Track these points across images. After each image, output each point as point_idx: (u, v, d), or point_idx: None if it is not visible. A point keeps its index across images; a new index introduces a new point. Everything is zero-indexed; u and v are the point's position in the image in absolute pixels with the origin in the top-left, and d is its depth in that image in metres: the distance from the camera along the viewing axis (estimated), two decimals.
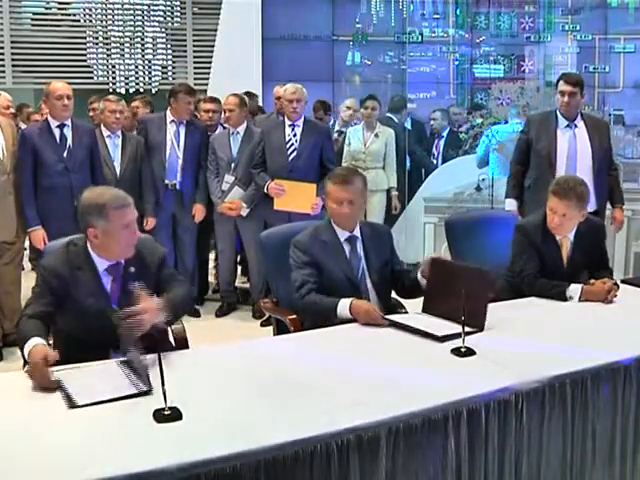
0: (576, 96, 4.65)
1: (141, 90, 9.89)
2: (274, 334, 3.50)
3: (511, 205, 4.91)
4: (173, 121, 5.69)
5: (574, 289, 3.42)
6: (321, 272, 3.29)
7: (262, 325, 5.58)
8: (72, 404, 2.23)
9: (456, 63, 7.64)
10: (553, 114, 4.81)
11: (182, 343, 3.09)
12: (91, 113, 6.68)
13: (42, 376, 2.38)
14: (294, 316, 3.29)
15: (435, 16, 7.53)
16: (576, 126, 4.77)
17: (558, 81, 4.75)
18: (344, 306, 3.11)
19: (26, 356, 2.55)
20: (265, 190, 5.33)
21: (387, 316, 3.10)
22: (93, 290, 2.83)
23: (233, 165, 5.64)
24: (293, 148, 5.34)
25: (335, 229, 3.39)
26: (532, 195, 4.74)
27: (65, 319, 2.83)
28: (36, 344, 2.52)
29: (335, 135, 6.73)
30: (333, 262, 3.33)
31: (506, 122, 6.57)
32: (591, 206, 4.40)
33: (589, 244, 3.68)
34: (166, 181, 5.64)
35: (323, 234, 3.38)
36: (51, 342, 2.75)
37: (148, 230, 5.49)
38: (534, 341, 2.83)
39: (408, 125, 7.22)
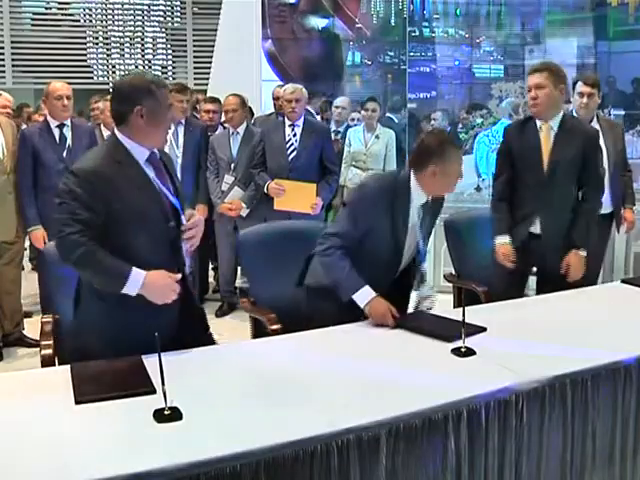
0: (594, 97, 4.54)
1: None
2: (252, 334, 3.52)
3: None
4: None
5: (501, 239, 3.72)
6: (371, 235, 3.10)
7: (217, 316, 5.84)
8: (78, 399, 2.25)
9: (456, 63, 7.63)
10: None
11: None
12: (92, 113, 6.68)
13: None
14: (273, 315, 3.30)
15: (435, 16, 7.53)
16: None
17: (575, 83, 4.63)
18: (363, 296, 3.00)
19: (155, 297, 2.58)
20: (265, 190, 5.33)
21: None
22: (140, 183, 2.62)
23: (233, 165, 5.65)
24: (293, 148, 5.35)
25: (412, 194, 3.13)
26: None
27: (120, 234, 2.58)
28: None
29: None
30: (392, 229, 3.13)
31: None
32: (606, 207, 4.42)
33: (576, 147, 3.69)
34: None
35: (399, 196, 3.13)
36: None
37: None
38: (534, 341, 2.83)
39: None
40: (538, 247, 3.78)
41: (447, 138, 3.13)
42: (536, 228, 3.79)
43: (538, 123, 3.75)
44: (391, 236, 3.14)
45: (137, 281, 2.54)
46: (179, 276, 2.60)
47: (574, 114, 4.52)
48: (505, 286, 3.76)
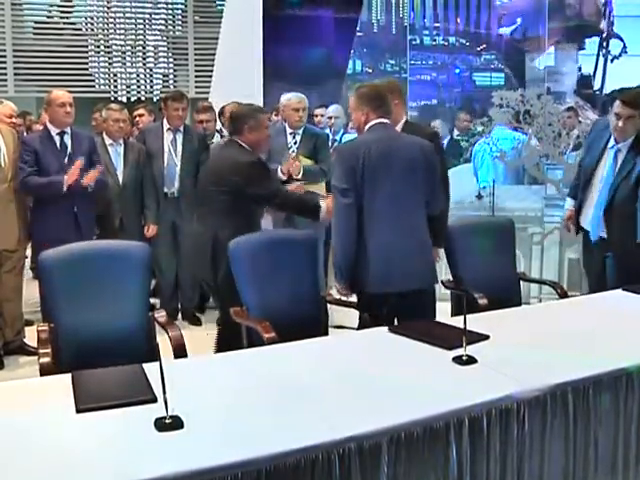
0: (635, 119, 4.11)
1: (142, 98, 9.91)
2: (246, 343, 3.49)
3: (568, 204, 4.68)
4: (169, 129, 5.70)
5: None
6: None
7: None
8: (80, 408, 2.24)
9: (457, 71, 7.65)
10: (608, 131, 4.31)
11: (180, 351, 3.10)
12: (94, 122, 6.67)
13: None
14: (266, 323, 3.29)
15: (436, 24, 7.55)
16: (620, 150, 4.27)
17: (614, 100, 4.24)
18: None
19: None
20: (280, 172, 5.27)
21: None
22: None
23: None
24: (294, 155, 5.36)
25: None
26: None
27: None
28: None
29: None
30: None
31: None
32: None
33: None
34: (165, 189, 5.65)
35: None
36: None
37: (149, 237, 5.50)
38: (536, 348, 2.83)
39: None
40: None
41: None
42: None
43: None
44: None
45: None
46: None
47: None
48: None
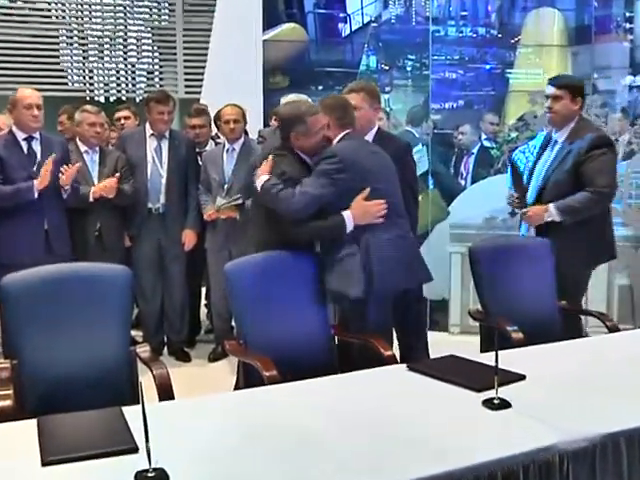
0: (564, 101, 4.72)
1: (123, 98, 9.93)
2: (243, 383, 3.50)
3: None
4: (153, 135, 5.71)
5: None
6: None
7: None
8: (46, 460, 2.23)
9: (487, 67, 7.65)
10: None
11: (166, 392, 3.09)
12: (59, 127, 6.63)
13: None
14: (267, 359, 3.30)
15: (463, 13, 7.56)
16: None
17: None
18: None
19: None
20: None
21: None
22: None
23: (226, 187, 5.64)
24: None
25: None
26: None
27: None
28: None
29: None
30: None
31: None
32: None
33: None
34: (149, 204, 5.65)
35: None
36: None
37: (128, 247, 5.55)
38: (581, 391, 2.82)
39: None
40: None
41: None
42: None
43: None
44: None
45: None
46: None
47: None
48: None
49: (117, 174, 5.36)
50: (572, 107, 4.71)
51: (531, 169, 4.93)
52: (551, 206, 4.50)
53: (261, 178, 3.91)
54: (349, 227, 3.86)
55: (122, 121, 6.51)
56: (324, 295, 3.85)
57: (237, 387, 4.16)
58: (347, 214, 3.86)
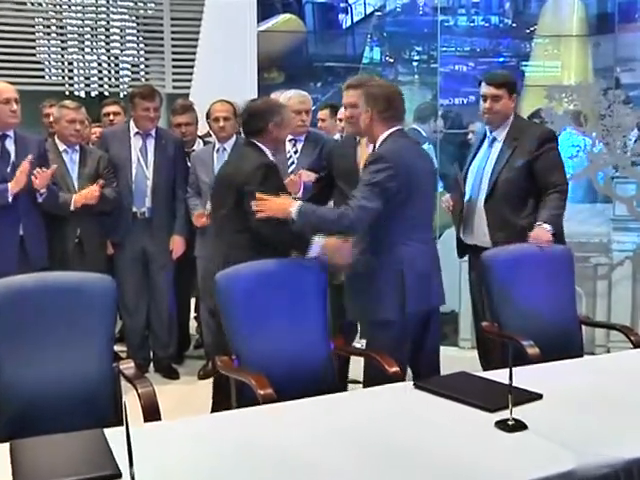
0: (503, 100, 4.88)
1: (106, 93, 9.93)
2: (235, 403, 3.50)
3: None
4: (138, 133, 5.70)
5: None
6: None
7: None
8: None
9: (501, 60, 7.65)
10: None
11: (152, 413, 3.09)
12: (46, 119, 6.55)
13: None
14: (262, 376, 3.30)
15: (474, 1, 7.56)
16: None
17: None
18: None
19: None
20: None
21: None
22: None
23: None
24: (293, 168, 5.30)
25: None
26: None
27: None
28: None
29: None
30: None
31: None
32: None
33: None
34: (133, 208, 5.65)
35: None
36: None
37: (110, 255, 5.54)
38: (602, 412, 2.82)
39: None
40: None
41: None
42: None
43: None
44: None
45: None
46: None
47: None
48: None
49: (100, 181, 5.33)
50: (510, 105, 4.94)
51: (467, 169, 5.11)
52: (544, 225, 4.50)
53: (292, 208, 3.77)
54: (312, 252, 3.96)
55: (111, 117, 6.48)
56: (325, 307, 3.84)
57: (215, 409, 4.17)
58: (320, 242, 3.95)
